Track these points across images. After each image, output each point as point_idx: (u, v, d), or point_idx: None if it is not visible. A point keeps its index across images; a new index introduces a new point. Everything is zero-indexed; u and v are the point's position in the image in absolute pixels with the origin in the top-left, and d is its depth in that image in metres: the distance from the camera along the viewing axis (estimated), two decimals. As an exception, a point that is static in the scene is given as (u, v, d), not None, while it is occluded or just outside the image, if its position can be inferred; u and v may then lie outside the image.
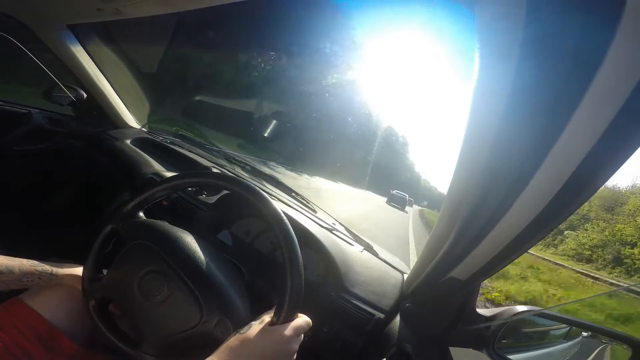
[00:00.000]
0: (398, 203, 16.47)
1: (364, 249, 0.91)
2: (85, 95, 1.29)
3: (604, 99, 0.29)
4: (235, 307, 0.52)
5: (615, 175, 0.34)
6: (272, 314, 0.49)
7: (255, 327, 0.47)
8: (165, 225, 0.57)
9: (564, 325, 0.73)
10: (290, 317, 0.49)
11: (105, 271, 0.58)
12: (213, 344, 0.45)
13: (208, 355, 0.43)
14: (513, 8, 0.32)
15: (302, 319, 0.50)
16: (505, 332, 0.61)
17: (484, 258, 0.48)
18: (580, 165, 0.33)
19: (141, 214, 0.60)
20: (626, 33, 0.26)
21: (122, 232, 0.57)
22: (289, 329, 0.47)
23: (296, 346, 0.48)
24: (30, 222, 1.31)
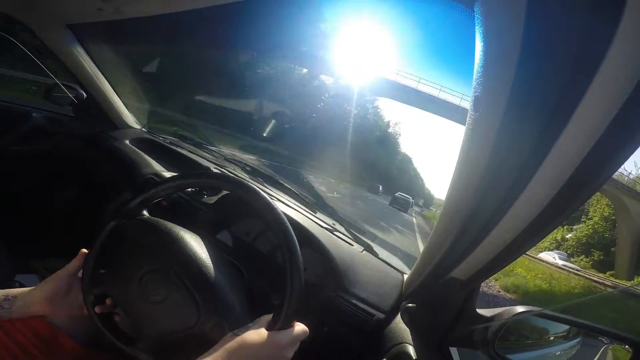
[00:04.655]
0: (401, 206, 16.72)
1: (364, 249, 0.91)
2: (85, 95, 1.29)
3: (604, 99, 0.29)
4: (233, 310, 0.52)
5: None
6: (271, 318, 0.49)
7: (252, 330, 0.46)
8: (168, 224, 0.57)
9: (564, 325, 0.73)
10: (289, 324, 0.48)
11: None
12: (209, 346, 0.45)
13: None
14: (513, 6, 0.32)
15: (300, 327, 0.50)
16: (506, 332, 0.61)
17: (484, 258, 0.48)
18: (580, 165, 0.33)
19: (145, 212, 0.60)
20: (627, 30, 0.26)
21: (124, 230, 0.57)
22: (287, 336, 0.47)
23: (291, 354, 0.48)
24: (30, 223, 1.31)
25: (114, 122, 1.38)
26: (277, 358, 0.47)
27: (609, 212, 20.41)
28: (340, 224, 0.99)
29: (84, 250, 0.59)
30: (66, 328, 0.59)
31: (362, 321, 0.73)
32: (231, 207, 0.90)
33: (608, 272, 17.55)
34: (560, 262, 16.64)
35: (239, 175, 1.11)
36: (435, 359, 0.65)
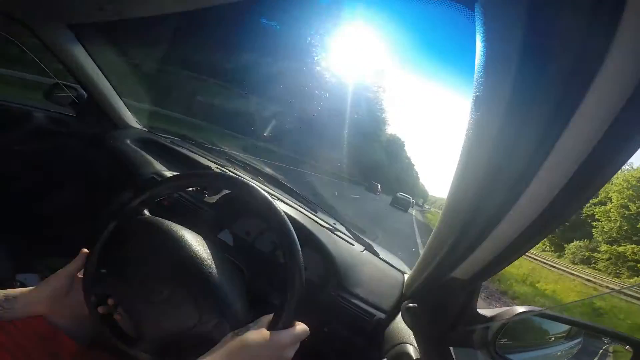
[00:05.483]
0: (402, 205, 17.31)
1: (365, 249, 0.91)
2: (86, 95, 1.29)
3: (605, 98, 0.29)
4: (234, 309, 0.52)
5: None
6: (271, 318, 0.49)
7: (253, 330, 0.47)
8: (169, 224, 0.57)
9: (565, 325, 0.73)
10: (289, 323, 0.49)
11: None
12: (210, 346, 0.46)
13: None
14: (513, 7, 0.32)
15: (301, 327, 0.50)
16: (506, 332, 0.61)
17: (485, 258, 0.48)
18: (581, 165, 0.33)
19: (146, 211, 0.60)
20: (627, 31, 0.26)
21: (126, 229, 0.57)
22: (287, 336, 0.48)
23: (292, 353, 0.49)
24: (31, 222, 1.31)
25: (115, 122, 1.38)
26: (278, 358, 0.47)
27: None
28: (341, 224, 0.99)
29: (85, 250, 0.59)
30: (67, 328, 0.59)
31: (362, 321, 0.73)
32: (232, 206, 0.91)
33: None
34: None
35: (240, 174, 1.11)
36: (436, 359, 0.65)
